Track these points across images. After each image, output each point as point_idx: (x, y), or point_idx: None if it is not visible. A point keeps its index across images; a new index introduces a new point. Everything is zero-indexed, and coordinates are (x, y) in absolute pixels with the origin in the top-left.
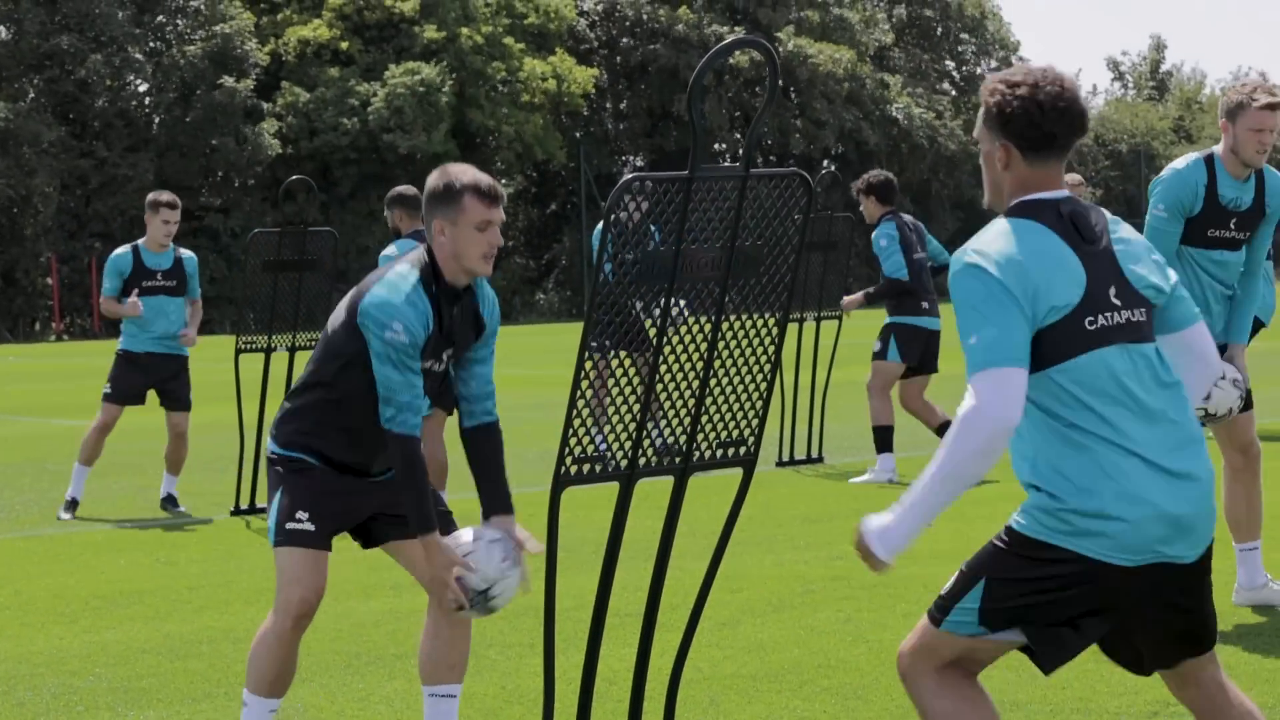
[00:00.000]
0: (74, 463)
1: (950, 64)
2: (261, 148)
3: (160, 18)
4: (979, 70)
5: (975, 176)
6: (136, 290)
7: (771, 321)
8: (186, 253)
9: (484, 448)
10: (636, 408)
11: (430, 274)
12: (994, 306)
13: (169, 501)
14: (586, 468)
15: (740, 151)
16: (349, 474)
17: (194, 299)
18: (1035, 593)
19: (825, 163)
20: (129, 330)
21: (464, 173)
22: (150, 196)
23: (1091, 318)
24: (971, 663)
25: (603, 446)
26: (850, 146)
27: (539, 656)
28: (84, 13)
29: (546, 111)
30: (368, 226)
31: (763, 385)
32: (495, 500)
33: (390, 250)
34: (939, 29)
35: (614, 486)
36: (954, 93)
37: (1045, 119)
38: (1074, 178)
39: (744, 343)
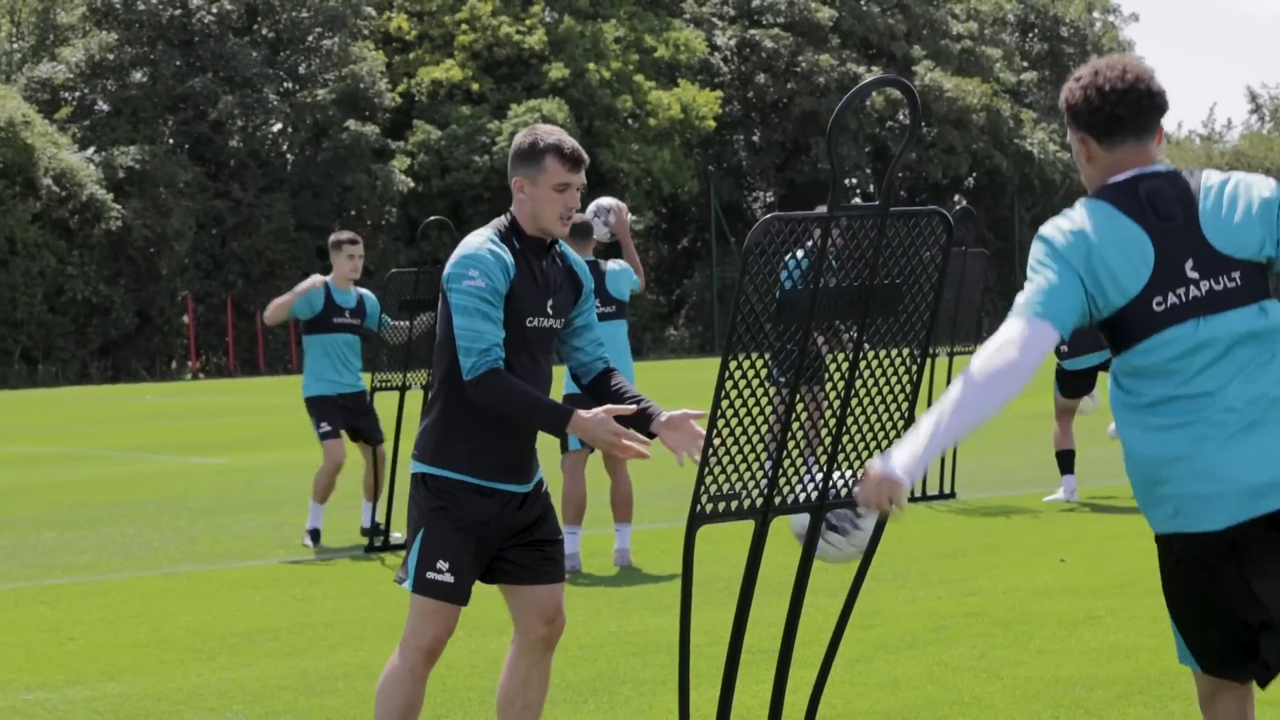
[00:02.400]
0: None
1: None
2: (392, 184)
3: (292, 58)
4: None
5: None
6: (326, 327)
7: (909, 357)
8: (368, 293)
9: (608, 382)
10: (796, 444)
11: (510, 229)
12: (1052, 268)
13: (375, 531)
14: (722, 505)
15: (872, 186)
16: (492, 495)
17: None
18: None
19: (957, 197)
20: (320, 375)
21: (550, 134)
22: (331, 237)
23: (1160, 298)
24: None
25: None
26: (982, 175)
27: (673, 693)
28: (218, 54)
29: (675, 141)
30: None
31: (900, 423)
32: (649, 408)
33: None
34: (1074, 63)
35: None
36: None
37: (1107, 103)
38: None
39: (880, 380)
